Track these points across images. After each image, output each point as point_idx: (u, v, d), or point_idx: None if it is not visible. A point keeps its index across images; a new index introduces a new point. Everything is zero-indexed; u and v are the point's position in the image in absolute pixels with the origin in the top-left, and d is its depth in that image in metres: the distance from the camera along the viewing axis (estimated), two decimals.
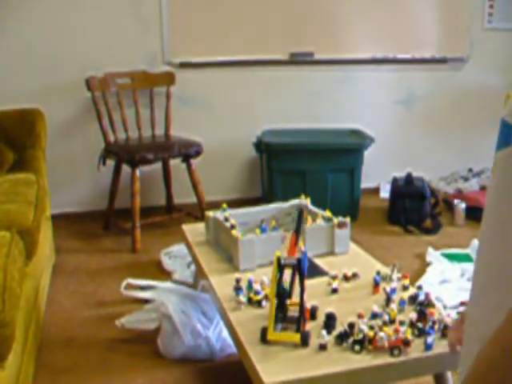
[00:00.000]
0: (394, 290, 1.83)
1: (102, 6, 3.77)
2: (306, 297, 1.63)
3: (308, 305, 1.69)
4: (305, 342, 1.57)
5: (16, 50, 3.69)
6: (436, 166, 4.55)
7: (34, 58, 3.72)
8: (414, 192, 3.83)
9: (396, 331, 1.57)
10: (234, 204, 2.93)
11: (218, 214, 2.30)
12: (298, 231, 1.78)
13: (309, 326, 1.64)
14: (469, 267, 3.01)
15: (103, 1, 3.77)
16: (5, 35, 3.66)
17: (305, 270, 1.65)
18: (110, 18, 3.80)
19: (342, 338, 1.59)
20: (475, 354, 0.68)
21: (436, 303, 1.80)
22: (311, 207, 2.37)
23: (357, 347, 1.55)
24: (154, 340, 2.37)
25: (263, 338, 1.59)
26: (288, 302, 1.68)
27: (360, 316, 1.68)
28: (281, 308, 1.65)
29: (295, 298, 1.68)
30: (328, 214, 2.25)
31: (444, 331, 1.62)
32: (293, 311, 1.66)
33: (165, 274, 3.02)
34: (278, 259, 1.62)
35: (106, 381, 2.22)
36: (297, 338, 1.57)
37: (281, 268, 1.63)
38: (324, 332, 1.58)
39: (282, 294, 1.65)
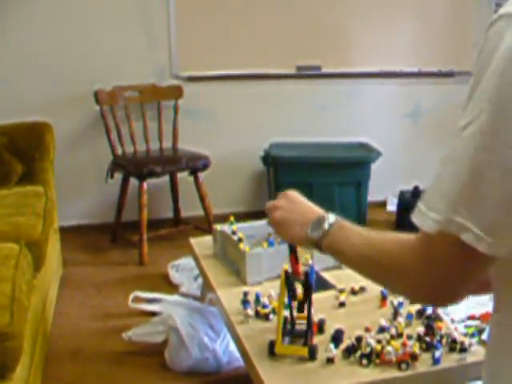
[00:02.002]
0: (401, 304, 1.83)
1: (110, 20, 3.80)
2: (313, 310, 1.63)
3: (315, 318, 1.69)
4: (312, 355, 1.57)
5: (25, 63, 3.71)
6: None
7: (42, 72, 3.75)
8: None
9: (403, 345, 1.57)
10: (242, 217, 2.93)
11: (226, 227, 2.30)
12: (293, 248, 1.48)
13: (316, 339, 1.64)
14: None
15: (112, 14, 3.80)
16: (14, 48, 3.69)
17: (312, 283, 1.64)
18: (118, 31, 3.83)
19: (349, 351, 1.59)
20: None
21: (443, 317, 1.80)
22: None
23: (364, 361, 1.55)
24: (161, 353, 2.37)
25: (271, 352, 1.58)
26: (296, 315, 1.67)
27: (367, 330, 1.68)
28: (289, 321, 1.65)
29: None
30: None
31: (452, 345, 1.62)
32: (300, 325, 1.66)
33: (172, 287, 3.02)
34: (286, 273, 1.61)
35: None
36: (304, 351, 1.57)
37: (288, 283, 1.63)
38: (331, 345, 1.57)
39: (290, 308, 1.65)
